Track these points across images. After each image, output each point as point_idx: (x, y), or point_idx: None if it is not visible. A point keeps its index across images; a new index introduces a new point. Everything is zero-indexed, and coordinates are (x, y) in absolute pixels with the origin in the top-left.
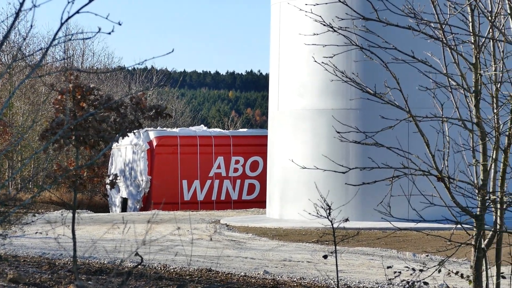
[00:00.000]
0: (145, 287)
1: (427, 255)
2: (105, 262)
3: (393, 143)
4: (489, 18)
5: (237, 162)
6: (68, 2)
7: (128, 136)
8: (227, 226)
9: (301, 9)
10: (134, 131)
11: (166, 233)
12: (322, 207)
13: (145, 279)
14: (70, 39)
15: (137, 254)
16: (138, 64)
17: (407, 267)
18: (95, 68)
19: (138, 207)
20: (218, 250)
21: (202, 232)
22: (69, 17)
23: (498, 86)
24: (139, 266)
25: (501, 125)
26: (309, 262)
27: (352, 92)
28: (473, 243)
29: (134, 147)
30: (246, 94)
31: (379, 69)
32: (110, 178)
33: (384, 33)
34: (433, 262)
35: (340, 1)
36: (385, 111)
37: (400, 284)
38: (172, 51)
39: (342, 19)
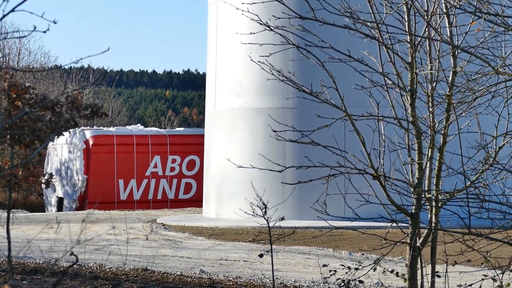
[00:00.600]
0: (81, 287)
1: (362, 254)
2: (40, 262)
3: (330, 142)
4: (425, 17)
5: (173, 161)
6: (3, 1)
7: (63, 135)
8: (163, 225)
9: (237, 8)
10: (70, 130)
11: (102, 232)
12: (258, 206)
13: (80, 279)
14: (5, 38)
15: (72, 253)
16: (74, 63)
17: (342, 265)
18: (31, 67)
19: (74, 206)
20: (154, 249)
21: (138, 231)
22: (4, 16)
23: (434, 85)
24: (75, 266)
25: (437, 124)
26: (245, 261)
27: (289, 91)
28: (408, 241)
29: (70, 146)
30: (183, 93)
31: (316, 68)
32: (46, 177)
33: (321, 32)
34: (369, 261)
35: (277, 0)
36: (322, 110)
37: (336, 283)
38: (108, 49)
39: (278, 18)
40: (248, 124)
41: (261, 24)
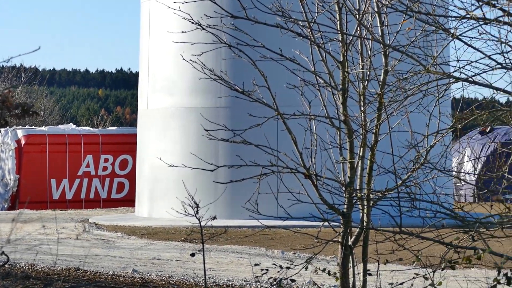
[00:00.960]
0: (12, 286)
1: (294, 253)
2: None
3: (262, 141)
4: (357, 16)
5: (106, 160)
6: None
7: None
8: (96, 225)
9: (169, 7)
10: (1, 129)
11: (34, 232)
12: (190, 206)
13: (11, 278)
14: None
15: (3, 253)
16: (5, 61)
17: (274, 264)
18: None
19: (6, 206)
20: (86, 249)
21: (70, 231)
22: None
23: (365, 84)
24: (6, 265)
25: (368, 123)
26: (178, 260)
27: (222, 90)
28: (340, 240)
29: (2, 145)
30: (116, 93)
31: (248, 67)
32: None
33: (253, 31)
34: (301, 260)
35: None
36: (254, 109)
37: (268, 282)
38: (39, 48)
39: (210, 17)
40: (181, 123)
41: (193, 23)
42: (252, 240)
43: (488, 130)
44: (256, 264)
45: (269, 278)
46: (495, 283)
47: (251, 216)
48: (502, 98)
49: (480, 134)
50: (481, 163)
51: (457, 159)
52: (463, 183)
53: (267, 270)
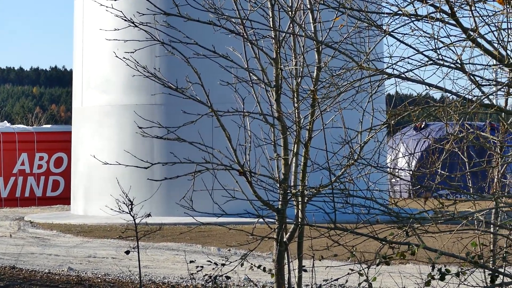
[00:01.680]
0: None
1: (229, 250)
2: None
3: (198, 138)
4: (289, 13)
5: (41, 158)
6: None
7: None
8: (31, 223)
9: (102, 5)
10: None
11: None
12: (125, 203)
13: None
14: None
15: None
16: None
17: (209, 261)
18: None
19: None
20: (21, 247)
21: (5, 229)
22: None
23: (299, 80)
24: None
25: (302, 119)
26: (114, 258)
27: (157, 88)
28: (275, 236)
29: None
30: (51, 90)
31: (182, 65)
32: None
33: (186, 29)
34: (237, 256)
35: None
36: (189, 106)
37: (203, 279)
38: None
39: (143, 15)
40: (116, 120)
41: (125, 20)
42: (188, 237)
43: (422, 126)
44: (191, 261)
45: (204, 275)
46: (429, 278)
47: (186, 213)
48: (437, 94)
49: (415, 130)
50: (416, 159)
51: (391, 156)
52: (397, 179)
53: (202, 267)
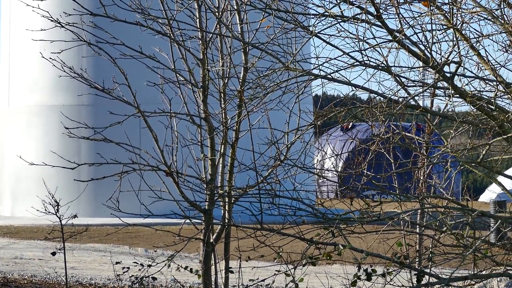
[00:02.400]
0: None
1: (155, 251)
2: None
3: (125, 139)
4: (216, 14)
5: None
6: None
7: None
8: None
9: (28, 5)
10: None
11: None
12: (51, 204)
13: None
14: None
15: None
16: None
17: (135, 262)
18: None
19: None
20: None
21: None
22: None
23: (226, 81)
24: None
25: (229, 120)
26: (40, 259)
27: (84, 89)
28: (201, 237)
29: None
30: None
31: (109, 65)
32: None
33: (113, 29)
34: (164, 257)
35: None
36: (116, 107)
37: (129, 280)
38: None
39: (70, 15)
40: (43, 121)
41: (52, 20)
42: (116, 238)
43: (349, 127)
44: (117, 262)
45: (130, 276)
46: (355, 279)
47: (113, 214)
48: (365, 95)
49: (342, 131)
50: (343, 160)
51: (317, 156)
52: (324, 180)
53: (128, 268)
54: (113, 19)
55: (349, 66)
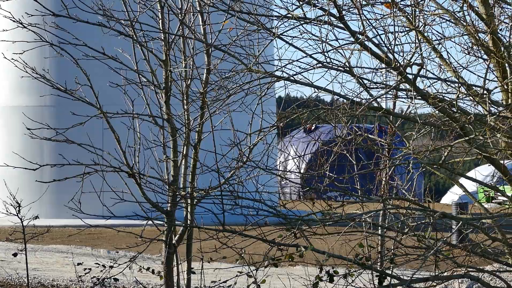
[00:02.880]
0: None
1: (117, 252)
2: None
3: (88, 140)
4: (179, 15)
5: None
6: None
7: None
8: None
9: None
10: None
11: None
12: (12, 205)
13: None
14: None
15: None
16: None
17: (97, 263)
18: None
19: None
20: None
21: None
22: None
23: (188, 83)
24: None
25: (192, 121)
26: (2, 260)
27: (47, 89)
28: (164, 239)
29: None
30: None
31: (72, 66)
32: None
33: (76, 30)
34: (127, 259)
35: None
36: (79, 108)
37: (91, 281)
38: None
39: (32, 15)
40: (5, 122)
41: (14, 21)
42: (78, 240)
43: (312, 128)
44: (79, 263)
45: (92, 277)
46: (317, 280)
47: (75, 216)
48: (328, 97)
49: (305, 133)
50: (306, 161)
51: (280, 158)
52: (287, 181)
53: (90, 269)
54: (75, 20)
55: (311, 68)
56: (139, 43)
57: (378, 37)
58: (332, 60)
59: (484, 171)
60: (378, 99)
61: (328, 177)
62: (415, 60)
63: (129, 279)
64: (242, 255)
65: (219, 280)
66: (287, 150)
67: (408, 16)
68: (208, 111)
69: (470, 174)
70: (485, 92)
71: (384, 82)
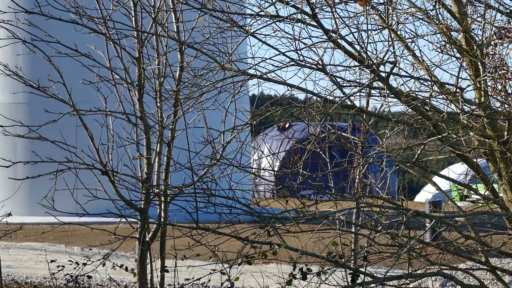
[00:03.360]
0: None
1: (90, 249)
2: None
3: (61, 137)
4: (152, 13)
5: None
6: None
7: None
8: None
9: None
10: None
11: None
12: None
13: None
14: None
15: None
16: None
17: (70, 261)
18: None
19: None
20: None
21: None
22: None
23: (161, 80)
24: None
25: (165, 119)
26: None
27: (20, 87)
28: (137, 236)
29: None
30: None
31: (45, 63)
32: None
33: (49, 28)
34: (100, 256)
35: None
36: (53, 105)
37: (64, 278)
38: None
39: (4, 12)
40: None
41: None
42: (52, 237)
43: (286, 126)
44: (52, 261)
45: (65, 275)
46: (291, 278)
47: (48, 213)
48: (302, 95)
49: (279, 131)
50: (280, 159)
51: (254, 156)
52: (261, 179)
53: (63, 266)
54: (48, 17)
55: (284, 66)
56: (112, 40)
57: (351, 35)
58: (305, 58)
59: (458, 170)
60: (352, 97)
61: (301, 175)
62: (388, 58)
63: (102, 276)
64: (216, 252)
65: (193, 278)
66: (260, 148)
67: (381, 14)
68: (181, 109)
69: (444, 172)
70: (458, 90)
71: (358, 80)
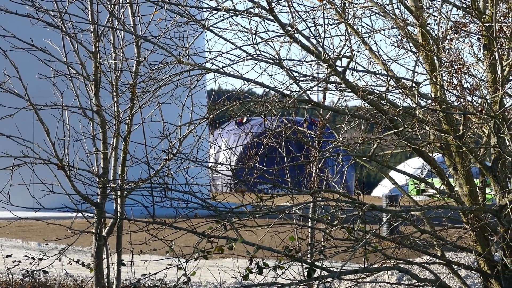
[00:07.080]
0: None
1: (46, 244)
2: None
3: (17, 132)
4: (108, 7)
5: None
6: None
7: None
8: None
9: None
10: None
11: None
12: None
13: None
14: None
15: None
16: None
17: (26, 256)
18: None
19: None
20: None
21: None
22: None
23: (118, 74)
24: None
25: (122, 113)
26: None
27: None
28: (94, 231)
29: None
30: None
31: (0, 58)
32: None
33: (4, 22)
34: (57, 251)
35: None
36: (8, 99)
37: (21, 273)
38: None
39: None
40: None
41: None
42: (9, 232)
43: (244, 121)
44: (8, 256)
45: (21, 270)
46: (247, 272)
47: (4, 208)
48: (260, 89)
49: (237, 125)
50: (237, 154)
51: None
52: (219, 174)
53: (19, 261)
54: (3, 11)
55: (241, 60)
56: (68, 34)
57: (308, 29)
58: (262, 52)
59: (414, 164)
60: (308, 92)
61: (258, 170)
62: (344, 53)
63: (59, 271)
64: (172, 247)
65: (149, 273)
66: (218, 143)
67: (338, 9)
68: (138, 103)
69: (401, 166)
70: (414, 85)
71: (314, 75)
